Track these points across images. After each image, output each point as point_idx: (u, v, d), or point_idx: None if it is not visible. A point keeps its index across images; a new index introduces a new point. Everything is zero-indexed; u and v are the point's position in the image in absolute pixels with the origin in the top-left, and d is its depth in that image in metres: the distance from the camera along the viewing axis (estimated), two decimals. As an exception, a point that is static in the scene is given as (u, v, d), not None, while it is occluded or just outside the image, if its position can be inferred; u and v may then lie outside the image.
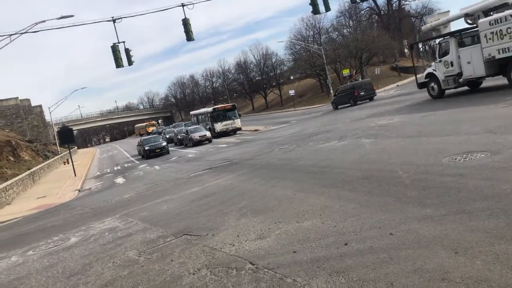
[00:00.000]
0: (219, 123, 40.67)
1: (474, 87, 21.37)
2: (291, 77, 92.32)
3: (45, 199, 21.01)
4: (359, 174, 9.04)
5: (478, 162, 7.50)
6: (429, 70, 22.43)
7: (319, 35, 76.42)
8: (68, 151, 35.34)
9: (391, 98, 33.39)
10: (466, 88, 21.40)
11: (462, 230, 4.73)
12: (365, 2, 79.28)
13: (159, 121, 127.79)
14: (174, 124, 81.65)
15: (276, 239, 6.04)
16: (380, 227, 5.47)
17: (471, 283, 3.57)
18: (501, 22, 17.32)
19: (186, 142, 37.93)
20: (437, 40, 22.34)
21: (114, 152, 58.76)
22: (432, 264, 4.08)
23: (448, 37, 20.95)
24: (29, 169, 31.70)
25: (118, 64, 22.40)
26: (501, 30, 17.27)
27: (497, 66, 18.20)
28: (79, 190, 22.40)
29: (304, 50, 68.82)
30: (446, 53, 20.91)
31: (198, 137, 35.52)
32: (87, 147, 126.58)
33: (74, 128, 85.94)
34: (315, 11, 22.84)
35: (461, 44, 20.00)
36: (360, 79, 56.11)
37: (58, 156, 49.52)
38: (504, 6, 18.84)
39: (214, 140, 37.21)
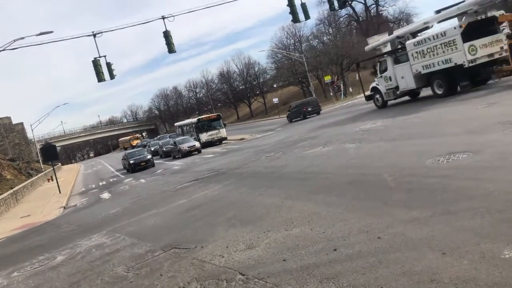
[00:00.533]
0: (204, 133, 40.44)
1: (414, 97, 24.56)
2: (274, 85, 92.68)
3: (29, 218, 20.62)
4: (345, 179, 9.11)
5: (461, 162, 7.61)
6: (373, 84, 25.60)
7: (300, 43, 77.07)
8: (52, 168, 34.83)
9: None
10: (407, 97, 24.78)
11: (448, 231, 4.79)
12: (343, 9, 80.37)
13: (144, 134, 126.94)
14: (158, 136, 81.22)
15: (266, 248, 6.03)
16: (368, 231, 5.50)
17: (459, 283, 3.61)
18: (422, 43, 20.87)
19: (174, 153, 37.12)
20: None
21: (99, 167, 58.12)
22: (421, 266, 4.12)
23: (386, 56, 24.15)
24: (11, 188, 31.13)
25: (100, 78, 22.24)
26: (423, 50, 20.74)
27: (424, 79, 21.64)
28: (64, 207, 22.06)
29: (286, 58, 69.33)
30: (385, 69, 24.05)
31: (187, 148, 34.90)
32: (71, 163, 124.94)
33: (58, 144, 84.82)
34: (295, 19, 23.03)
35: (396, 62, 23.25)
36: (341, 85, 56.71)
37: (42, 173, 48.77)
38: (426, 29, 22.15)
39: (199, 151, 37.13)
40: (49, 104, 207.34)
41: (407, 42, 21.98)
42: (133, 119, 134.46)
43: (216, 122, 42.24)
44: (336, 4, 23.36)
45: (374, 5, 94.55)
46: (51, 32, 23.71)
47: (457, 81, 19.80)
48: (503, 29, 18.92)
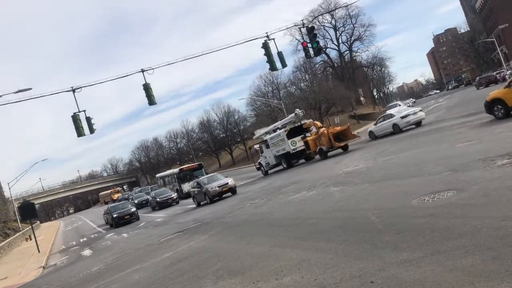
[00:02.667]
0: (186, 184, 40.01)
1: (289, 167, 33.62)
2: (255, 132, 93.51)
3: (6, 280, 19.71)
4: (332, 223, 9.03)
5: (446, 201, 7.65)
6: (260, 159, 37.47)
7: (278, 90, 78.76)
8: (30, 227, 33.73)
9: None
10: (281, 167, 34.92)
11: (441, 271, 4.73)
12: (318, 56, 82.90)
13: (124, 187, 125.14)
14: (139, 188, 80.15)
15: (257, 300, 5.84)
16: (360, 276, 5.40)
17: (459, 325, 3.52)
18: (273, 138, 34.67)
19: (153, 205, 37.72)
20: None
21: (79, 223, 56.65)
22: (417, 310, 4.02)
23: (262, 143, 37.44)
24: (-13, 250, 29.93)
25: (80, 133, 22.06)
26: (274, 142, 34.34)
27: (279, 158, 34.31)
28: (43, 267, 21.21)
29: (265, 105, 70.48)
30: (263, 151, 36.64)
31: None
32: (50, 220, 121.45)
33: (36, 202, 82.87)
34: (272, 68, 23.57)
35: (267, 147, 35.74)
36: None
37: (20, 232, 47.10)
38: (278, 129, 35.02)
39: (181, 202, 36.69)
40: (27, 161, 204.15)
41: (267, 137, 36.04)
42: (114, 172, 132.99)
43: (198, 171, 42.08)
44: (311, 51, 24.04)
45: (348, 51, 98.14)
46: (30, 89, 23.74)
47: (291, 159, 33.39)
48: (311, 129, 31.82)
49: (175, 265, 10.37)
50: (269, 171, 35.95)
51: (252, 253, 8.90)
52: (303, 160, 33.53)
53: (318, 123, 31.26)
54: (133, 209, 33.57)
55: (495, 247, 4.88)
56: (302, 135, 31.23)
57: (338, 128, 29.76)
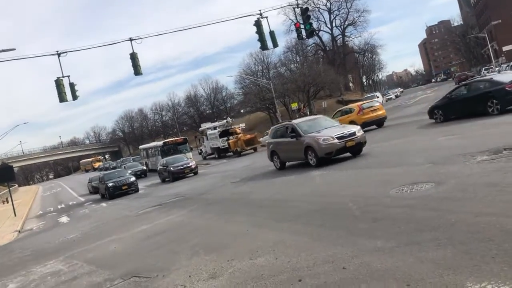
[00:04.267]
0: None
1: (219, 157, 42.14)
2: (242, 111, 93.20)
3: (-20, 242, 19.55)
4: (311, 207, 9.10)
5: (424, 193, 7.74)
6: (201, 147, 48.16)
7: (267, 70, 78.17)
8: (7, 190, 33.33)
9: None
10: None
11: (412, 262, 4.81)
12: (310, 38, 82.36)
13: (106, 156, 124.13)
14: (122, 159, 79.61)
15: (229, 278, 5.88)
16: (333, 261, 5.46)
17: (424, 316, 3.59)
18: (210, 134, 43.92)
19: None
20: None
21: (58, 189, 56.24)
22: (386, 298, 4.09)
23: (204, 135, 46.77)
24: (-37, 210, 29.59)
25: (62, 98, 21.65)
26: (211, 137, 43.65)
27: (213, 150, 43.74)
28: (19, 231, 21.08)
29: (254, 84, 69.97)
30: (204, 141, 46.63)
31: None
32: (29, 184, 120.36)
33: (15, 165, 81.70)
34: (263, 47, 23.34)
35: (207, 139, 45.07)
36: (308, 113, 57.60)
37: (-4, 195, 46.68)
38: (216, 128, 44.52)
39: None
40: (8, 123, 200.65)
41: (208, 132, 44.85)
42: (96, 140, 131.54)
43: (183, 146, 41.83)
44: (304, 33, 23.83)
45: (341, 36, 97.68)
46: (14, 49, 23.14)
47: (220, 152, 42.12)
48: (236, 134, 41.49)
49: (152, 238, 10.38)
50: (207, 157, 46.12)
51: (229, 231, 8.94)
52: (231, 153, 40.72)
53: (238, 130, 42.83)
54: (132, 178, 28.79)
55: (467, 241, 4.97)
56: (227, 138, 41.12)
57: (248, 136, 39.77)
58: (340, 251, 5.75)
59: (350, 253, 5.57)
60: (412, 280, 4.34)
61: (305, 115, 58.82)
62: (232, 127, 43.84)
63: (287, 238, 7.15)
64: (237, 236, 8.23)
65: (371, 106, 26.23)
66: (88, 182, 38.56)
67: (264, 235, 7.79)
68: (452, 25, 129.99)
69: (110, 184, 27.25)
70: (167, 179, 30.20)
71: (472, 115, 17.18)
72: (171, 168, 29.30)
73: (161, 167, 31.31)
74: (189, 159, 33.66)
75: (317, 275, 5.14)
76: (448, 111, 18.79)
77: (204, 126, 51.39)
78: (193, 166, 29.86)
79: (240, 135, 40.21)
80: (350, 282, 4.70)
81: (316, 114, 57.51)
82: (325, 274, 5.11)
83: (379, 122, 25.68)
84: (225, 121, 46.44)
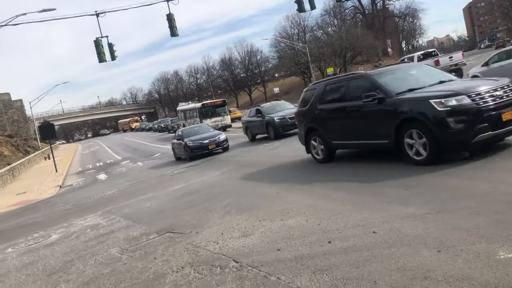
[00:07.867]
0: (208, 120, 39.02)
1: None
2: (276, 75, 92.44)
3: (25, 195, 20.66)
4: (343, 171, 9.10)
5: (460, 163, 7.59)
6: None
7: (304, 33, 76.76)
8: (49, 146, 34.73)
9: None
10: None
11: (444, 229, 4.79)
12: (349, 1, 79.87)
13: (142, 117, 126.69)
14: (159, 120, 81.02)
15: (260, 237, 6.03)
16: (364, 225, 5.50)
17: (453, 281, 3.61)
18: (187, 110, 47.00)
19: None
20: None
21: (96, 147, 58.11)
22: (415, 263, 4.12)
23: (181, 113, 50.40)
24: (8, 165, 31.15)
25: (101, 58, 22.12)
26: (189, 115, 44.99)
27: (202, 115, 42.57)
28: (60, 186, 22.09)
29: (289, 48, 69.04)
30: (182, 118, 48.98)
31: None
32: (68, 142, 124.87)
33: (56, 123, 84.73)
34: (300, 9, 22.87)
35: (185, 117, 46.76)
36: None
37: (39, 151, 48.75)
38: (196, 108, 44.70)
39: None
40: (48, 82, 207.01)
41: (179, 108, 50.17)
42: (133, 101, 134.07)
43: (221, 108, 41.37)
44: (342, -5, 23.14)
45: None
46: (54, 9, 23.58)
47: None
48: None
49: (186, 197, 10.69)
50: None
51: (261, 193, 9.09)
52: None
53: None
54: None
55: (502, 211, 4.90)
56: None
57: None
58: (370, 216, 5.78)
59: (381, 218, 5.60)
60: (443, 246, 4.34)
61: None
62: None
63: (318, 202, 7.22)
64: (268, 198, 8.37)
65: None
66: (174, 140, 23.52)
67: (295, 198, 7.90)
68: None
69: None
70: (182, 157, 21.48)
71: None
72: (190, 143, 20.53)
73: (175, 140, 22.44)
74: (215, 130, 24.09)
75: (346, 237, 5.21)
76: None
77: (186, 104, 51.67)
78: (221, 139, 20.90)
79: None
80: (379, 245, 4.74)
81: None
82: (354, 237, 5.17)
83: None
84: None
